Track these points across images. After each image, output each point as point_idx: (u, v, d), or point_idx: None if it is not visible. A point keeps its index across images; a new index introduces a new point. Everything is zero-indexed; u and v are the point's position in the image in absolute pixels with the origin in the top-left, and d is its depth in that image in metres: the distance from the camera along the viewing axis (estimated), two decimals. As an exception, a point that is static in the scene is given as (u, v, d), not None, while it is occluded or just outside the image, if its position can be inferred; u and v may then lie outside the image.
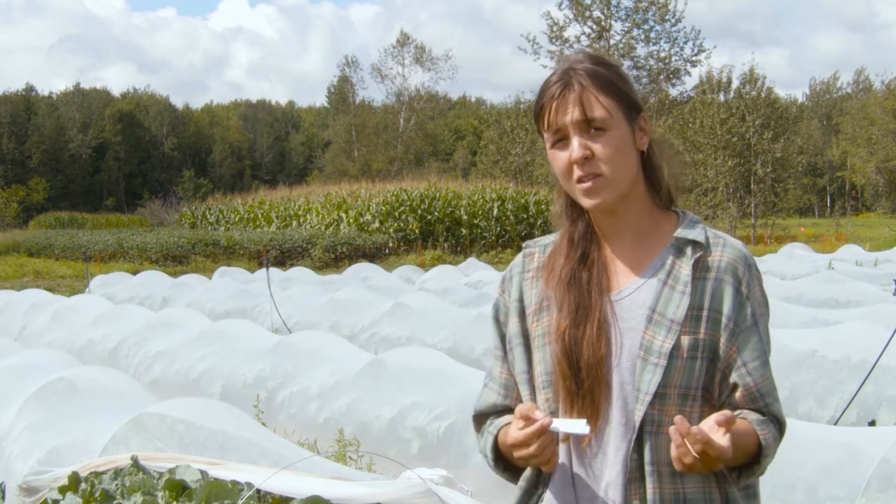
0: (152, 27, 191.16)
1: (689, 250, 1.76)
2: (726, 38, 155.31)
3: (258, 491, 3.79)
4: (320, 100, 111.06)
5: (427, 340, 8.86)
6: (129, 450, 4.44)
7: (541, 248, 1.91)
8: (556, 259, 1.84)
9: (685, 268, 1.75)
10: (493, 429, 1.87)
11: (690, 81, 52.81)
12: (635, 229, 1.80)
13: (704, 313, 1.72)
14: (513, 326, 1.87)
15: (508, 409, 1.90)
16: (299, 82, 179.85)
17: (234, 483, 3.86)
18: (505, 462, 1.86)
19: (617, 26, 44.07)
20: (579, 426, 1.65)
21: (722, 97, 39.90)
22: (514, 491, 1.87)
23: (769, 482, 3.76)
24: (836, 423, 5.56)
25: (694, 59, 44.02)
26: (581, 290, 1.77)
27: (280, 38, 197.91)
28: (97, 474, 4.21)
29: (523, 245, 1.94)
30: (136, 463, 4.17)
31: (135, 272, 19.00)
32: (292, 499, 3.72)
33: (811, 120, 74.60)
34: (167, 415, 4.72)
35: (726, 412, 1.57)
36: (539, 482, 1.83)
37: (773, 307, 8.66)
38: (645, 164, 1.80)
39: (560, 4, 43.69)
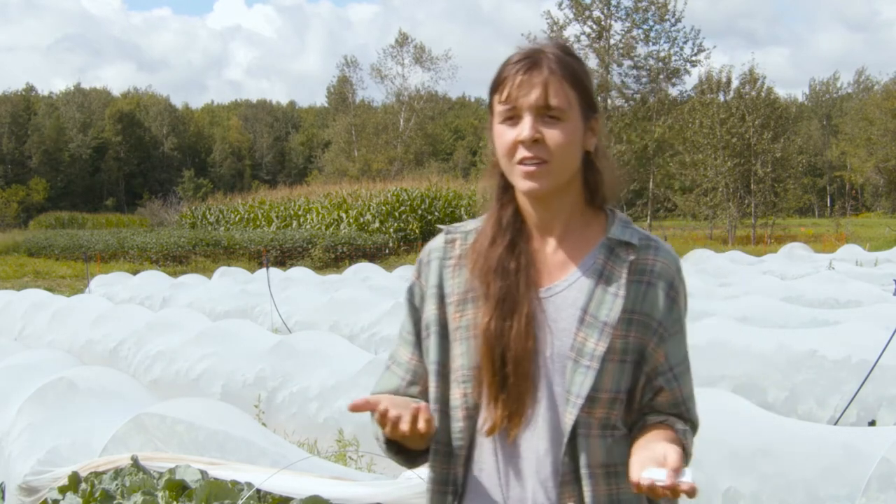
0: (150, 27, 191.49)
1: (621, 252, 1.73)
2: (727, 37, 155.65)
3: (258, 491, 3.79)
4: (320, 100, 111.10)
5: (427, 340, 8.83)
6: (129, 450, 4.44)
7: (462, 234, 1.83)
8: (480, 243, 1.77)
9: (618, 269, 1.71)
10: None
11: (690, 81, 52.83)
12: (565, 225, 1.76)
13: (635, 317, 1.70)
14: (430, 313, 1.79)
15: (410, 397, 1.83)
16: (299, 82, 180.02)
17: (235, 483, 3.86)
18: (398, 446, 1.80)
19: (617, 26, 44.01)
20: (660, 474, 1.53)
21: (721, 97, 39.88)
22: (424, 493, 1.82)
23: (769, 482, 3.76)
24: (836, 423, 5.56)
25: (694, 58, 43.96)
26: (509, 279, 1.71)
27: (279, 38, 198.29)
28: (97, 474, 4.21)
29: (444, 229, 1.86)
30: (136, 463, 4.17)
31: (135, 272, 18.99)
32: (292, 499, 3.72)
33: (811, 120, 74.63)
34: (167, 415, 4.72)
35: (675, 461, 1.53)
36: (449, 481, 1.78)
37: (773, 307, 8.62)
38: (587, 165, 1.77)
39: (560, 4, 43.65)
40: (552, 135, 1.67)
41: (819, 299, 10.99)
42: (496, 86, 1.73)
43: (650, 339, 1.70)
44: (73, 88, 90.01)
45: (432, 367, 1.78)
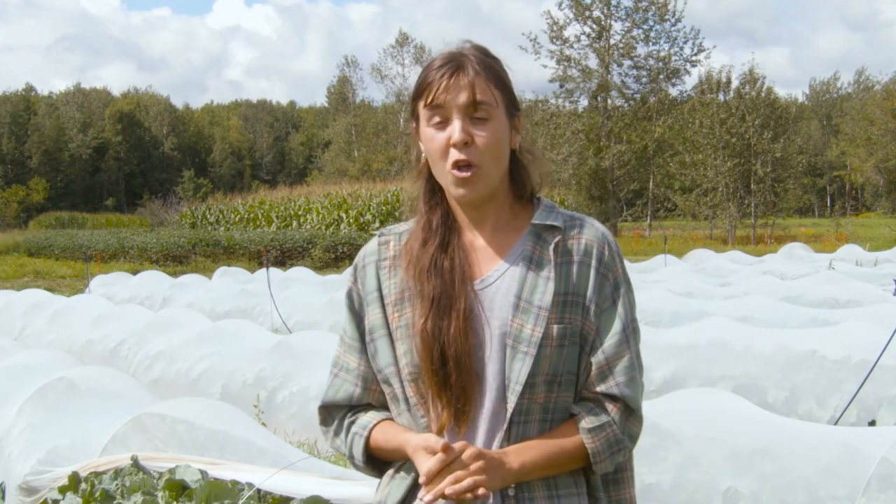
0: (150, 27, 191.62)
1: (548, 236, 1.76)
2: (727, 37, 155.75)
3: (258, 491, 3.79)
4: (320, 100, 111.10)
5: (427, 340, 8.83)
6: (129, 450, 4.44)
7: (396, 236, 1.85)
8: (413, 246, 1.79)
9: (547, 253, 1.74)
10: (360, 430, 1.81)
11: (690, 81, 52.83)
12: (494, 220, 1.79)
13: (569, 298, 1.72)
14: (375, 318, 1.81)
15: (367, 405, 1.85)
16: (299, 82, 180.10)
17: (235, 483, 3.86)
18: (374, 461, 1.82)
19: (617, 26, 44.01)
20: None
21: (721, 97, 39.88)
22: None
23: (769, 482, 3.76)
24: (836, 423, 5.56)
25: (694, 58, 43.96)
26: (444, 278, 1.73)
27: (278, 38, 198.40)
28: (97, 474, 4.21)
29: (377, 233, 1.89)
30: (136, 463, 4.17)
31: (135, 272, 18.97)
32: (292, 499, 3.72)
33: (811, 120, 74.63)
34: (167, 415, 4.72)
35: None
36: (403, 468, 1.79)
37: (773, 307, 8.56)
38: (513, 162, 1.80)
39: (560, 4, 43.64)
40: (482, 135, 1.70)
41: (819, 299, 10.98)
42: (421, 91, 1.74)
43: (585, 319, 1.72)
44: (73, 88, 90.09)
45: (389, 370, 1.79)
